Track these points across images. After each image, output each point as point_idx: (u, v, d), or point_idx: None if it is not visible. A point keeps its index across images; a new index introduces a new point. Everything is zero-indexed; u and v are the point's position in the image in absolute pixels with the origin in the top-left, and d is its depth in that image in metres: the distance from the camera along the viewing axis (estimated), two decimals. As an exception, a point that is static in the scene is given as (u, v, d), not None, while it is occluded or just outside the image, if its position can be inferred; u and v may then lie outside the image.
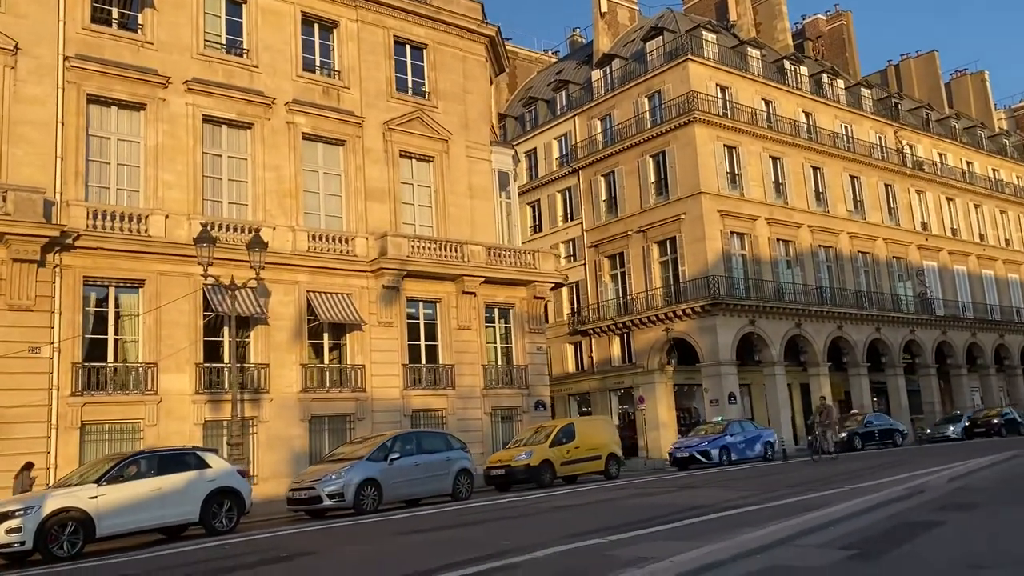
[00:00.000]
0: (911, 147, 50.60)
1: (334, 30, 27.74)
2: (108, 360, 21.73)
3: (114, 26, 23.52)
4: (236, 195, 24.91)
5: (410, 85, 29.20)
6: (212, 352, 23.06)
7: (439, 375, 27.39)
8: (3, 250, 19.94)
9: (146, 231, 22.37)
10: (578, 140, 44.50)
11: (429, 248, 27.29)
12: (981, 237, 53.34)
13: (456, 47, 30.43)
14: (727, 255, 37.58)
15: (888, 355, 44.28)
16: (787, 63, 45.33)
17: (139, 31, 23.80)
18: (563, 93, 47.57)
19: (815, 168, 43.23)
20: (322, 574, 9.26)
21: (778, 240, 40.17)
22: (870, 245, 44.88)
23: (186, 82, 23.95)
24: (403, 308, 26.87)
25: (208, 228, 21.31)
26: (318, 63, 27.28)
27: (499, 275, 28.71)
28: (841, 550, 7.77)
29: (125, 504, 13.38)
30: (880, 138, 48.41)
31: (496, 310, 29.48)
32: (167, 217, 22.81)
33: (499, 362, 29.42)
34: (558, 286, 32.76)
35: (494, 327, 29.58)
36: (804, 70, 46.08)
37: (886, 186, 47.42)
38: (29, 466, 18.59)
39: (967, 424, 37.82)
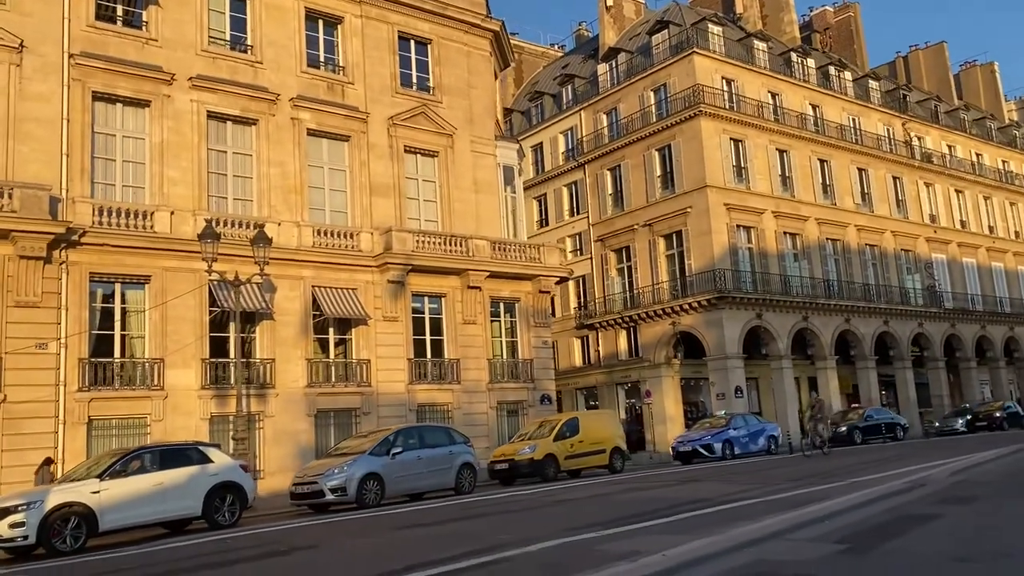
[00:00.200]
0: (919, 139, 50.29)
1: (338, 26, 27.78)
2: (115, 356, 21.90)
3: (119, 23, 23.64)
4: (241, 191, 25.02)
5: (414, 80, 29.22)
6: (218, 347, 23.19)
7: (444, 369, 27.46)
8: (10, 247, 20.09)
9: (152, 227, 22.51)
10: (584, 134, 44.44)
11: (434, 243, 27.35)
12: (990, 229, 53.01)
13: (460, 42, 30.43)
14: (733, 248, 37.51)
15: (896, 348, 44.10)
16: (794, 55, 45.07)
17: (143, 28, 23.91)
18: (569, 87, 47.52)
19: (822, 161, 43.05)
20: (319, 568, 9.33)
21: (785, 233, 40.04)
22: (878, 238, 44.69)
23: (191, 79, 24.04)
24: (408, 303, 26.95)
25: (213, 224, 21.47)
26: (322, 59, 27.33)
27: (504, 269, 28.76)
28: (833, 544, 7.78)
29: (127, 499, 13.50)
30: (888, 130, 48.14)
31: (501, 304, 29.52)
32: (172, 213, 22.94)
33: (505, 356, 29.47)
34: (563, 280, 32.74)
35: (499, 321, 29.63)
36: (811, 62, 45.84)
37: (894, 178, 47.18)
38: (49, 461, 18.79)
39: (969, 418, 37.50)
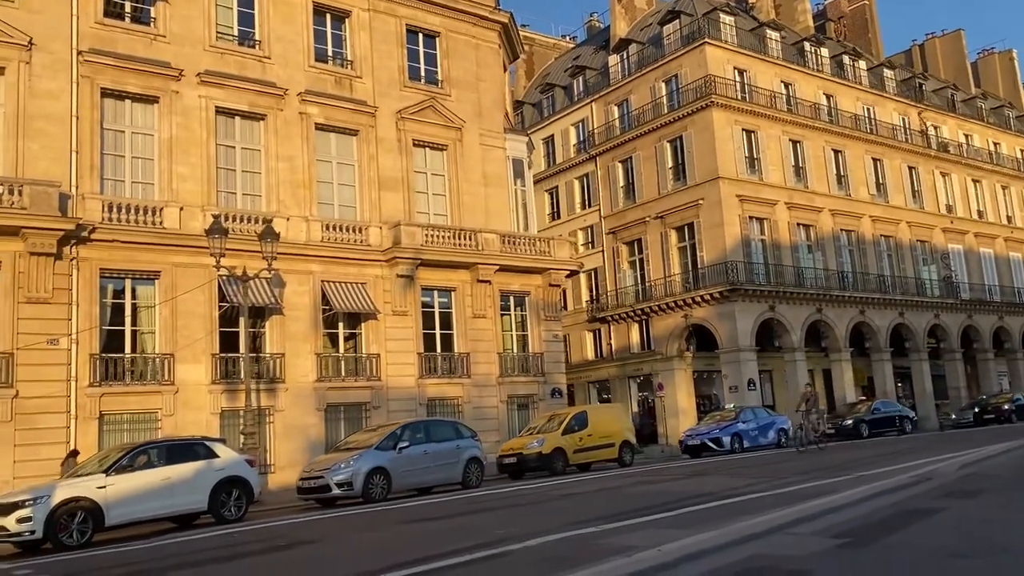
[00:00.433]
0: (936, 128, 49.75)
1: (346, 19, 27.75)
2: (125, 351, 22.03)
3: (127, 20, 23.70)
4: (250, 186, 25.06)
5: (423, 73, 29.17)
6: (228, 342, 23.26)
7: (454, 363, 27.46)
8: (20, 244, 20.22)
9: (161, 223, 22.62)
10: (595, 126, 44.27)
11: (443, 237, 27.32)
12: (1008, 219, 52.39)
13: (469, 34, 30.33)
14: (746, 240, 37.27)
15: (912, 340, 43.72)
16: (807, 45, 44.65)
17: (152, 24, 23.96)
18: (580, 79, 47.33)
19: (836, 151, 42.67)
20: (322, 562, 9.35)
21: (798, 225, 39.74)
22: (893, 229, 44.28)
23: (199, 74, 24.09)
24: (418, 297, 26.95)
25: (222, 219, 21.51)
26: (330, 53, 27.32)
27: (514, 263, 28.69)
28: (833, 538, 7.69)
29: (134, 493, 13.59)
30: (903, 120, 47.66)
31: (511, 298, 29.48)
32: (182, 209, 23.03)
33: (515, 350, 29.43)
34: (573, 273, 32.65)
35: (510, 315, 29.59)
36: (825, 52, 45.41)
37: (910, 168, 46.71)
38: (75, 453, 18.95)
39: (977, 410, 36.89)
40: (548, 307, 30.07)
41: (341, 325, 25.83)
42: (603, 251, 42.65)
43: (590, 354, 43.75)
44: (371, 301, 25.62)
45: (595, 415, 24.59)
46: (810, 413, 23.64)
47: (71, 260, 21.08)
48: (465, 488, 19.04)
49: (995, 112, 56.70)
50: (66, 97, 21.90)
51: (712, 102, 37.32)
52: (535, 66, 55.77)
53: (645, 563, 6.80)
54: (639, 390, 41.84)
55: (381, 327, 26.03)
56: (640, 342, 40.93)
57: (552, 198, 46.64)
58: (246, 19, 25.80)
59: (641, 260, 40.72)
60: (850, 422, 31.53)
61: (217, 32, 24.96)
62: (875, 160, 44.69)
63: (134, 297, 22.49)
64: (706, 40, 38.80)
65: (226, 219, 22.52)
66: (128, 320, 22.23)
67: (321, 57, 26.98)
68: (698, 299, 36.94)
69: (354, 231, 26.16)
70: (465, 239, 27.73)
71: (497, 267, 28.07)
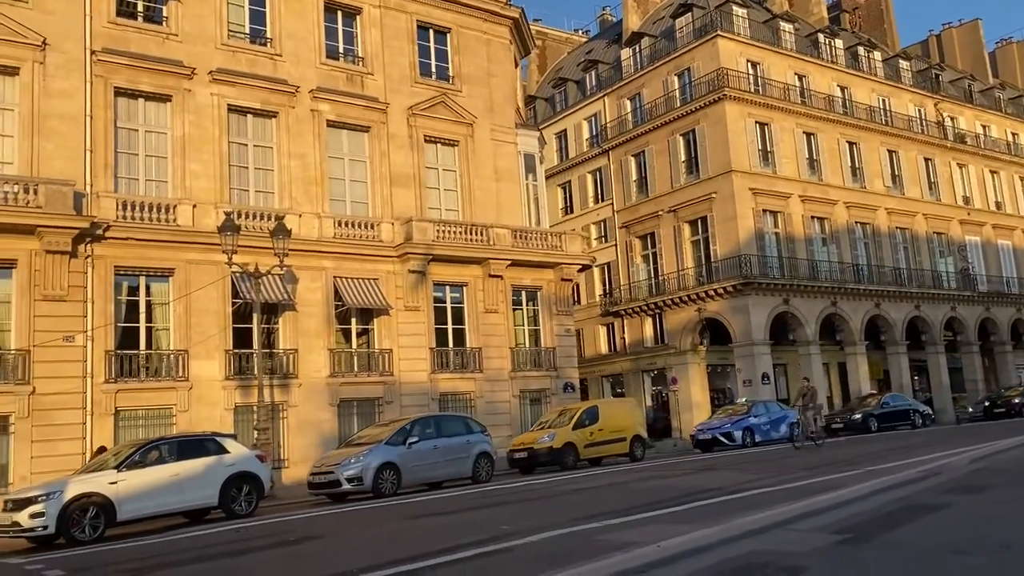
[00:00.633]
0: (952, 119, 49.26)
1: (357, 16, 27.81)
2: (140, 348, 22.24)
3: (139, 19, 23.88)
4: (262, 183, 25.21)
5: (434, 70, 29.19)
6: (242, 338, 23.42)
7: (467, 358, 27.53)
8: (36, 242, 20.45)
9: (175, 220, 22.80)
10: (608, 120, 44.14)
11: (455, 232, 27.38)
12: (1027, 211, 51.82)
13: (480, 30, 30.33)
14: (760, 233, 37.09)
15: (928, 333, 43.36)
16: (821, 36, 44.30)
17: (164, 23, 24.13)
18: (592, 73, 47.20)
19: (851, 143, 42.34)
20: (328, 557, 9.43)
21: (812, 217, 39.49)
22: (909, 221, 43.90)
23: (211, 72, 24.24)
24: (430, 292, 27.03)
25: (235, 216, 21.66)
26: (341, 50, 27.39)
27: (525, 258, 28.72)
28: (834, 534, 7.70)
29: (145, 489, 13.74)
30: (920, 111, 47.20)
31: (523, 293, 29.51)
32: (195, 206, 23.21)
33: (527, 344, 29.47)
34: (585, 268, 32.61)
35: (522, 310, 29.62)
36: (839, 43, 45.03)
37: (926, 160, 46.28)
38: (103, 450, 19.12)
39: (987, 404, 36.48)
40: (560, 301, 30.08)
41: (354, 321, 25.96)
42: (616, 245, 42.57)
43: (603, 348, 43.72)
44: (383, 297, 25.72)
45: (606, 410, 24.59)
46: (807, 408, 23.25)
47: (86, 258, 21.31)
48: (475, 483, 19.10)
49: (1013, 102, 56.03)
50: (80, 96, 22.11)
51: (725, 95, 37.12)
52: (548, 61, 55.67)
53: (643, 559, 6.84)
54: (653, 384, 41.77)
55: (393, 322, 26.13)
56: (654, 336, 40.85)
57: (565, 192, 46.60)
58: (257, 17, 25.93)
59: (654, 254, 40.62)
60: (859, 416, 31.22)
61: (229, 30, 25.10)
62: (891, 152, 44.30)
63: (148, 294, 22.70)
64: (719, 33, 38.58)
65: (239, 216, 22.68)
66: (143, 317, 22.43)
67: (332, 54, 27.07)
68: (712, 293, 36.82)
69: (366, 227, 26.26)
70: (477, 234, 27.77)
71: (509, 262, 28.10)
